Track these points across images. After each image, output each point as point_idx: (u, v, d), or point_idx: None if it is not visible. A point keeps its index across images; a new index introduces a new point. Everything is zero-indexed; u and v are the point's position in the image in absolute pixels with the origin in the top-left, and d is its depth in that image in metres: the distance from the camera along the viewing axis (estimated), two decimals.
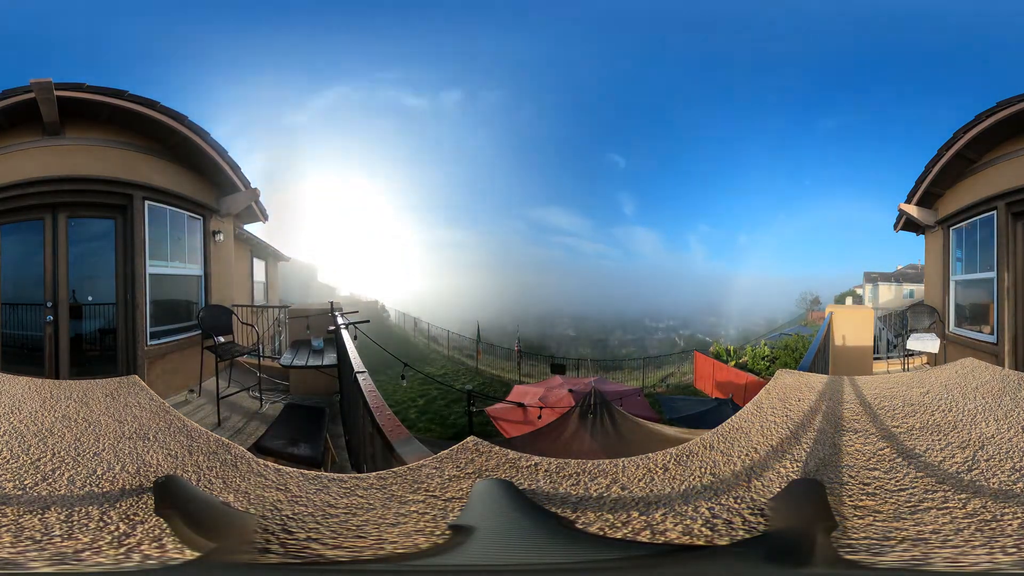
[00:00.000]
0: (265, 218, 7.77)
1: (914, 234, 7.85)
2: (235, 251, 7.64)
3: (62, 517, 1.17)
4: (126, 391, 2.46)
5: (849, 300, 34.55)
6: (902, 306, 10.78)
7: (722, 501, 1.26)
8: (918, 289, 30.56)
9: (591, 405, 6.10)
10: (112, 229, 5.59)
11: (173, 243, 6.08)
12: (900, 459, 1.53)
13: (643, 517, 1.18)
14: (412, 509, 1.23)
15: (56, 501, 1.27)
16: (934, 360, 6.63)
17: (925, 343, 6.27)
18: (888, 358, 7.75)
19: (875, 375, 3.58)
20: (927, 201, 7.10)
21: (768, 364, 15.08)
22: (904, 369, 6.61)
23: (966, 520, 1.10)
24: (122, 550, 1.02)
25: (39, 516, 1.17)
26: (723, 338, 29.56)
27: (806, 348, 10.08)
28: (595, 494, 1.33)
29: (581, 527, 1.14)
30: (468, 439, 1.72)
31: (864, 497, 1.25)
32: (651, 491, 1.36)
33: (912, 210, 7.21)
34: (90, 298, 5.57)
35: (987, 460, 1.47)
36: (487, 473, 1.47)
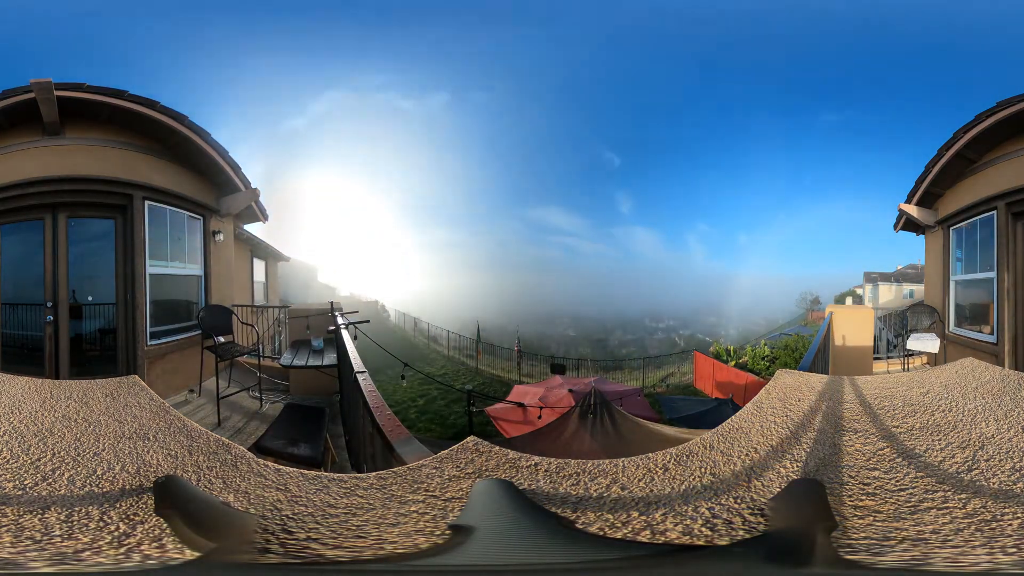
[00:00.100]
0: (265, 218, 7.77)
1: (914, 234, 7.85)
2: (235, 251, 7.64)
3: (62, 517, 1.17)
4: (126, 391, 2.46)
5: (849, 300, 34.53)
6: (902, 306, 10.78)
7: (722, 501, 1.26)
8: (918, 289, 30.56)
9: (591, 405, 6.10)
10: (112, 229, 5.59)
11: (173, 243, 6.08)
12: (900, 459, 1.53)
13: (643, 517, 1.18)
14: (412, 509, 1.23)
15: (56, 501, 1.27)
16: (934, 360, 6.62)
17: (925, 343, 6.27)
18: (888, 358, 7.75)
19: (875, 375, 3.58)
20: (927, 201, 7.10)
21: (768, 364, 15.08)
22: (904, 369, 6.61)
23: (966, 520, 1.10)
24: (122, 550, 1.02)
25: (39, 516, 1.17)
26: (723, 338, 29.57)
27: (806, 348, 10.08)
28: (595, 494, 1.33)
29: (581, 527, 1.14)
30: (468, 439, 1.72)
31: (864, 497, 1.25)
32: (651, 491, 1.36)
33: (912, 210, 7.21)
34: (90, 298, 5.57)
35: (987, 460, 1.47)
36: (487, 473, 1.47)
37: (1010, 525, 1.06)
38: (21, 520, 1.14)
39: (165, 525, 1.13)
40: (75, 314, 5.45)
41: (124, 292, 5.53)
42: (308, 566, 0.97)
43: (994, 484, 1.30)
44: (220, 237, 6.75)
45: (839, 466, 1.48)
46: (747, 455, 1.61)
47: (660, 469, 1.52)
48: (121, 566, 0.97)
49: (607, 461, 1.57)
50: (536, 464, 1.54)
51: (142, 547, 1.03)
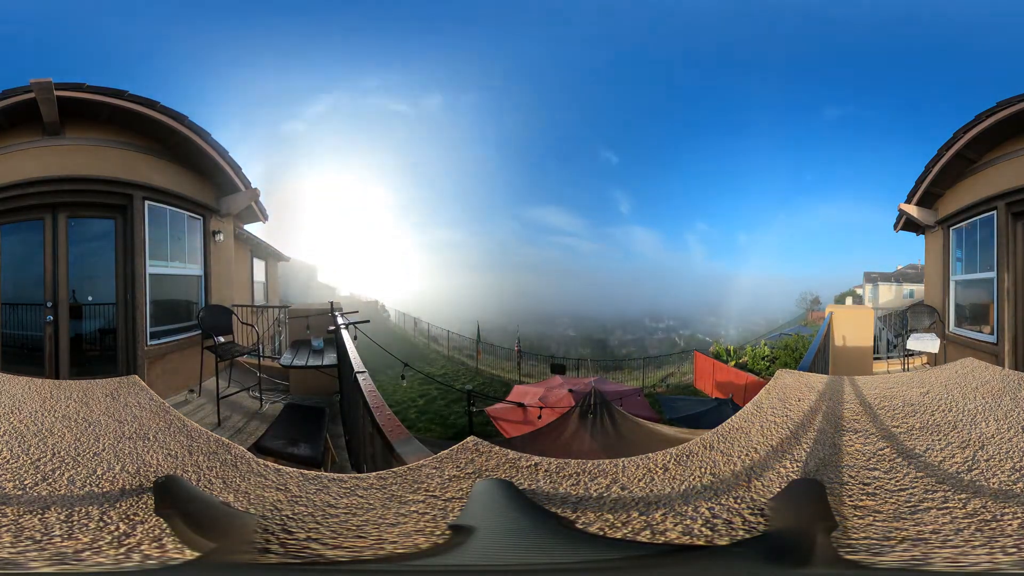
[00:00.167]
0: (265, 218, 7.78)
1: (914, 234, 7.84)
2: (235, 251, 7.64)
3: (62, 517, 1.17)
4: (126, 391, 2.46)
5: (849, 300, 34.52)
6: (902, 306, 10.78)
7: (722, 501, 1.26)
8: (918, 289, 30.55)
9: (591, 405, 6.10)
10: (112, 229, 5.59)
11: (173, 243, 6.08)
12: (900, 459, 1.53)
13: (643, 517, 1.18)
14: (412, 509, 1.23)
15: (56, 501, 1.27)
16: (934, 360, 6.63)
17: (925, 343, 6.27)
18: (888, 358, 7.76)
19: (875, 375, 3.58)
20: (927, 201, 7.10)
21: (768, 364, 15.07)
22: (904, 369, 6.61)
23: (966, 520, 1.10)
24: (122, 550, 1.02)
25: (39, 516, 1.17)
26: (723, 338, 29.59)
27: (806, 348, 10.08)
28: (595, 494, 1.33)
29: (581, 527, 1.14)
30: (468, 439, 1.72)
31: (864, 497, 1.25)
32: (651, 491, 1.36)
33: (912, 210, 7.21)
34: (90, 298, 5.57)
35: (987, 460, 1.47)
36: (487, 473, 1.47)
37: (1010, 525, 1.06)
38: (21, 520, 1.14)
39: (165, 525, 1.13)
40: (75, 314, 5.45)
41: (124, 292, 5.53)
42: (308, 566, 0.97)
43: (994, 484, 1.30)
44: (220, 237, 6.76)
45: (839, 466, 1.48)
46: (747, 455, 1.61)
47: (660, 469, 1.52)
48: (121, 566, 0.97)
49: (607, 461, 1.57)
50: (536, 464, 1.54)
51: (142, 547, 1.03)
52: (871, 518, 1.13)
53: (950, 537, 1.03)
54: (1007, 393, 2.20)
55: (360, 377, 2.93)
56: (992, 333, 5.90)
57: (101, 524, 1.14)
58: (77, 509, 1.22)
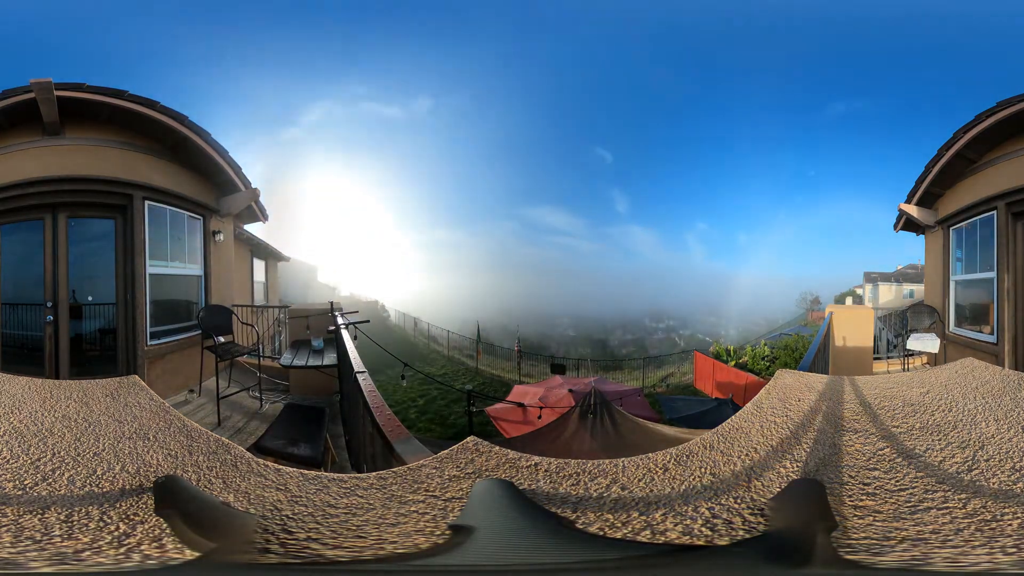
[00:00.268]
0: (265, 218, 7.78)
1: (914, 234, 7.85)
2: (235, 251, 7.64)
3: (62, 517, 1.17)
4: (126, 391, 2.46)
5: (849, 300, 34.53)
6: (902, 306, 10.79)
7: (722, 501, 1.26)
8: (918, 289, 30.55)
9: (591, 405, 6.10)
10: (112, 229, 5.59)
11: (173, 243, 6.08)
12: (900, 459, 1.52)
13: (643, 517, 1.18)
14: (412, 509, 1.23)
15: (56, 501, 1.27)
16: (934, 360, 6.63)
17: (925, 343, 6.27)
18: (888, 358, 7.76)
19: (875, 375, 3.57)
20: (927, 201, 7.10)
21: (768, 364, 15.07)
22: (904, 369, 6.61)
23: (966, 520, 1.10)
24: (122, 550, 1.02)
25: (39, 516, 1.17)
26: (723, 338, 29.58)
27: (806, 348, 10.08)
28: (595, 494, 1.33)
29: (581, 527, 1.14)
30: (468, 439, 1.72)
31: (864, 497, 1.25)
32: (651, 491, 1.36)
33: (912, 210, 7.21)
34: (90, 298, 5.57)
35: (987, 460, 1.47)
36: (487, 473, 1.47)
37: (1010, 525, 1.06)
38: (21, 520, 1.14)
39: (165, 525, 1.13)
40: (75, 314, 5.45)
41: (124, 292, 5.53)
42: (308, 566, 0.97)
43: (994, 484, 1.30)
44: (220, 237, 6.76)
45: (839, 466, 1.48)
46: (747, 455, 1.61)
47: (660, 469, 1.52)
48: (121, 566, 0.97)
49: (607, 461, 1.57)
50: (536, 464, 1.54)
51: (142, 547, 1.03)
52: (871, 518, 1.13)
53: (950, 537, 1.03)
54: (1007, 393, 2.20)
55: (360, 377, 2.93)
56: (992, 333, 5.90)
57: (101, 524, 1.14)
58: (77, 509, 1.22)
